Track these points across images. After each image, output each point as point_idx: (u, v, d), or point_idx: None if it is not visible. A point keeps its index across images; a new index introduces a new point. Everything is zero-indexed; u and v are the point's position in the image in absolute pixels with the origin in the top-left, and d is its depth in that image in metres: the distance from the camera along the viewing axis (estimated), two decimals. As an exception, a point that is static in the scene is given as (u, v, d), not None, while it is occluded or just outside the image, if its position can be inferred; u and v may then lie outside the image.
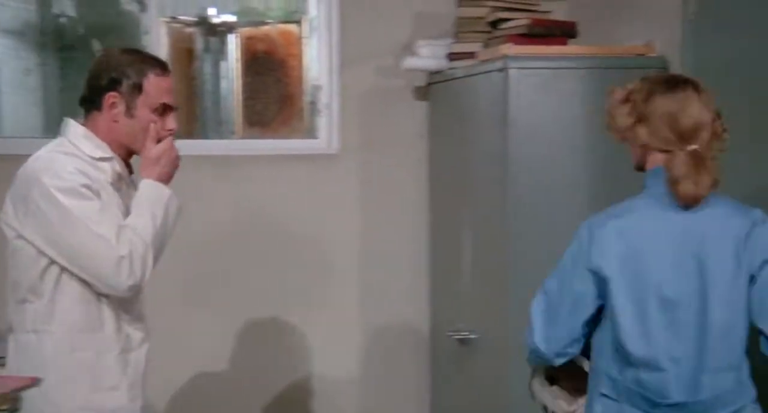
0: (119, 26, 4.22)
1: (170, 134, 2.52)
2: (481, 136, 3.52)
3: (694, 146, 2.26)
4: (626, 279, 2.28)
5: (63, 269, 2.41)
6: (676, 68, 3.22)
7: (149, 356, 2.58)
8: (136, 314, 2.56)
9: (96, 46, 4.20)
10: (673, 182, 2.25)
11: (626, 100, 2.34)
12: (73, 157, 2.43)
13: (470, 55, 3.67)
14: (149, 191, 2.48)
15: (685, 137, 2.27)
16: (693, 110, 2.28)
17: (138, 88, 2.46)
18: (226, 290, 4.01)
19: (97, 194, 2.40)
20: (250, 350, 4.06)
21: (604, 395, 2.33)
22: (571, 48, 3.48)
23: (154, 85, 2.48)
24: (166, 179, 2.52)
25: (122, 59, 2.50)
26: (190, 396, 4.01)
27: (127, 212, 2.47)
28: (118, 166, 2.51)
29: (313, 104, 4.14)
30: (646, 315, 2.27)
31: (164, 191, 2.50)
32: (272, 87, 4.23)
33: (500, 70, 3.27)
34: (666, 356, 2.26)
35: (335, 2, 4.04)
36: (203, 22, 4.07)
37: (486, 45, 3.64)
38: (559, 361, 2.41)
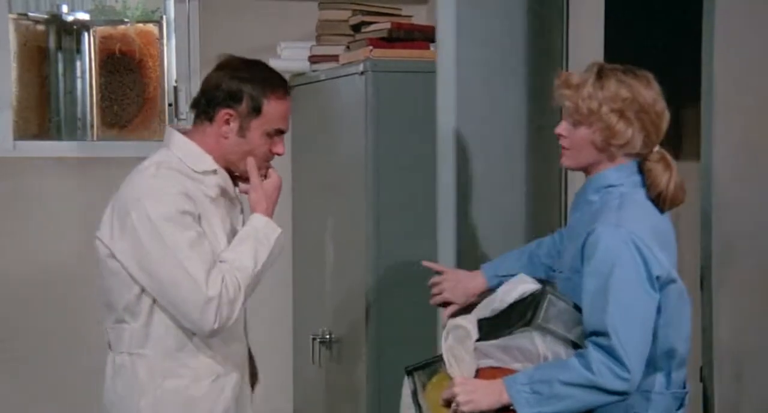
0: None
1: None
2: (343, 139, 3.52)
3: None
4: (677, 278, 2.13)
5: None
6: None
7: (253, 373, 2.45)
8: (237, 334, 2.42)
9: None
10: (666, 185, 2.12)
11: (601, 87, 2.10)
12: (177, 173, 2.28)
13: (332, 57, 3.67)
14: (259, 227, 2.34)
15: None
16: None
17: (257, 111, 2.31)
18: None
19: (197, 220, 2.25)
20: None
21: None
22: (432, 52, 3.51)
23: (274, 109, 2.32)
24: (272, 214, 2.40)
25: (245, 74, 2.33)
26: None
27: (231, 231, 2.35)
28: (221, 180, 2.35)
29: (172, 105, 4.06)
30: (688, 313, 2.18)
31: (276, 229, 2.37)
32: (130, 88, 4.12)
33: (361, 73, 3.28)
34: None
35: (195, 3, 3.97)
36: (55, 20, 3.93)
37: (348, 48, 3.64)
38: None
